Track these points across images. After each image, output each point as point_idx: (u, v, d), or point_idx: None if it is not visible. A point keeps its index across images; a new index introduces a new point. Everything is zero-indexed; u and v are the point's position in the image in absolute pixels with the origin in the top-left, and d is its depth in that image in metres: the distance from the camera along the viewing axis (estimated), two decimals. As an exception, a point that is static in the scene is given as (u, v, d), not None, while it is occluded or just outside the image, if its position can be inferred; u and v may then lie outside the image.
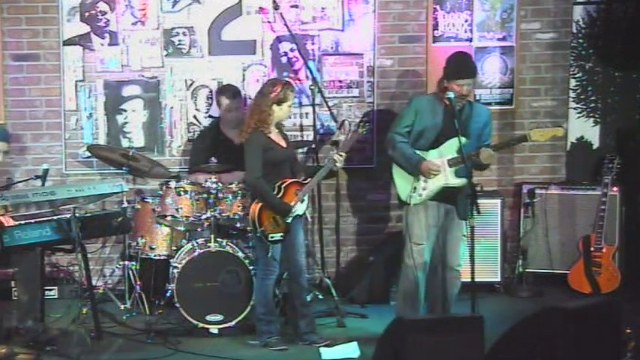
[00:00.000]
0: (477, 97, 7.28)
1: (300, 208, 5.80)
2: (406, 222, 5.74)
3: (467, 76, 5.64)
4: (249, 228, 6.06)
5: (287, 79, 6.74)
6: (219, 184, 6.25)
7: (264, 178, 5.69)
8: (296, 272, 5.88)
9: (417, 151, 5.67)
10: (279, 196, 5.71)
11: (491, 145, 5.71)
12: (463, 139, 5.52)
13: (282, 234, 5.73)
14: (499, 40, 7.34)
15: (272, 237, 5.71)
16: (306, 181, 5.84)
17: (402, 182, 5.73)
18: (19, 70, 7.12)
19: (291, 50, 7.20)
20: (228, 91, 6.84)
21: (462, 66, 5.71)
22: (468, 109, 5.71)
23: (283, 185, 5.72)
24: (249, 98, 6.92)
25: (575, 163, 7.46)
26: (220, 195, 6.24)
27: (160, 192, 6.44)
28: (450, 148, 5.61)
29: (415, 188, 5.64)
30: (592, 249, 6.89)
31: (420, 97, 6.06)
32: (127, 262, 6.59)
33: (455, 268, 5.71)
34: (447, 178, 5.62)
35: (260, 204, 5.70)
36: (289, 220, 5.75)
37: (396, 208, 7.13)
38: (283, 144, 5.85)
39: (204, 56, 7.20)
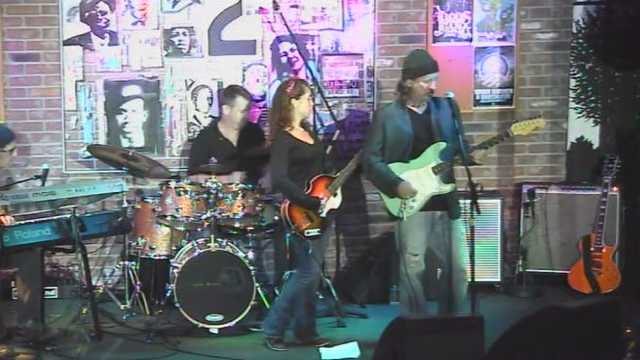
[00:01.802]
0: (477, 97, 7.29)
1: (334, 202, 5.74)
2: (399, 234, 5.61)
3: (433, 70, 5.48)
4: (254, 224, 6.04)
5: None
6: (219, 184, 6.25)
7: (295, 177, 5.64)
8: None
9: (397, 163, 5.52)
10: (307, 192, 5.66)
11: (477, 146, 5.57)
12: (443, 144, 5.42)
13: (318, 229, 5.67)
14: (499, 40, 7.34)
15: (308, 232, 5.64)
16: (336, 175, 5.77)
17: (390, 198, 5.57)
18: (19, 70, 7.12)
19: (291, 50, 7.20)
20: (244, 91, 6.81)
21: (425, 61, 5.58)
22: (434, 107, 5.57)
23: (312, 181, 5.68)
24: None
25: (575, 163, 7.46)
26: (220, 195, 6.24)
27: (160, 192, 6.44)
28: (430, 155, 5.50)
29: (405, 203, 5.50)
30: (592, 249, 6.89)
31: (384, 107, 5.82)
32: (127, 262, 6.59)
33: (463, 269, 5.57)
34: (435, 186, 5.51)
35: (288, 202, 5.67)
36: (324, 214, 5.69)
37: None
38: (310, 141, 5.79)
39: (204, 56, 7.20)
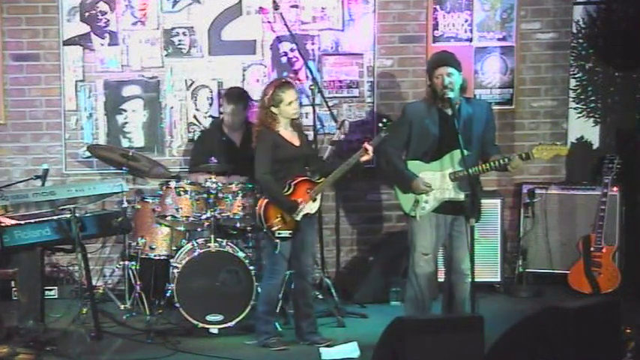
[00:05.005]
0: (477, 98, 7.28)
1: (312, 207, 5.74)
2: (411, 232, 5.62)
3: (443, 64, 5.44)
4: (253, 224, 6.06)
5: (287, 77, 6.72)
6: (219, 184, 6.25)
7: (275, 175, 5.64)
8: (303, 272, 5.85)
9: (417, 162, 5.52)
10: (287, 193, 5.66)
11: (497, 165, 5.47)
12: (464, 152, 5.27)
13: (290, 232, 5.68)
14: (499, 40, 7.35)
15: (279, 233, 5.66)
16: (319, 181, 5.77)
17: (404, 195, 5.59)
18: (19, 70, 7.12)
19: (291, 50, 7.20)
20: (231, 95, 6.82)
21: (434, 57, 5.65)
22: (466, 108, 5.51)
23: (293, 183, 5.67)
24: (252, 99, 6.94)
25: (575, 163, 7.46)
26: (220, 195, 6.24)
27: (160, 192, 6.45)
28: (451, 160, 5.46)
29: (417, 202, 5.51)
30: (592, 249, 6.89)
31: (413, 104, 5.81)
32: (127, 262, 6.59)
33: (466, 273, 5.57)
34: (450, 192, 5.48)
35: (266, 200, 5.68)
36: (298, 218, 5.70)
37: (395, 208, 7.12)
38: (296, 142, 5.77)
39: (204, 56, 7.20)
